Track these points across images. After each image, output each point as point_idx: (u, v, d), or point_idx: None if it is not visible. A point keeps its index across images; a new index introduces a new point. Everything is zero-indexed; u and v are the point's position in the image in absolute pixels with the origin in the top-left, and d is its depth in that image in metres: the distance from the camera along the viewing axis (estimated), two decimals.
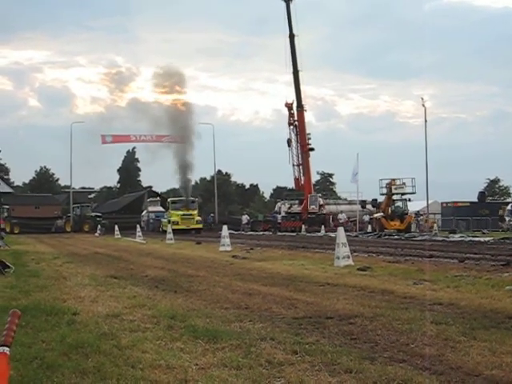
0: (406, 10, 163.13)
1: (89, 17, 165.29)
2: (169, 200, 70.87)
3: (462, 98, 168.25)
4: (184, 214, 65.30)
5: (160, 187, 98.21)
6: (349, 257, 18.93)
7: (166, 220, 66.76)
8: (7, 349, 3.53)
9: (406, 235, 45.95)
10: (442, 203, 71.67)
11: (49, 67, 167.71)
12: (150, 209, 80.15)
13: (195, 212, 67.25)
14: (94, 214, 78.69)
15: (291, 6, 71.22)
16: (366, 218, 63.30)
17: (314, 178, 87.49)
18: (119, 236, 49.79)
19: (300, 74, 70.85)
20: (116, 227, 52.61)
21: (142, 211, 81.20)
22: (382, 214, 53.87)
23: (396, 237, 44.89)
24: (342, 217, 66.16)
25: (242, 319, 9.64)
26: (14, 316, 3.63)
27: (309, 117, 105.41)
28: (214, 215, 79.69)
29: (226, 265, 20.47)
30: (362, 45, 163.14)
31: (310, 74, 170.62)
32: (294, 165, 71.68)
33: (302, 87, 72.00)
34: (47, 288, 13.88)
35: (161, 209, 78.26)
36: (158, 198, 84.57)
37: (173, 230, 53.66)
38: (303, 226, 63.39)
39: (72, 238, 52.16)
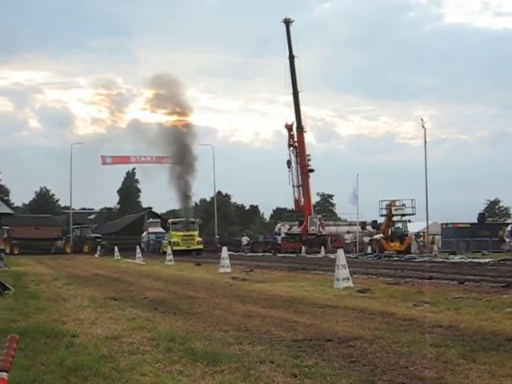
0: (406, 31, 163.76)
1: (89, 37, 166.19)
2: (169, 221, 70.50)
3: (462, 120, 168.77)
4: (184, 235, 64.93)
5: (160, 208, 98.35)
6: (348, 279, 18.90)
7: (166, 241, 66.09)
8: (5, 374, 3.55)
9: (406, 256, 45.95)
10: (441, 224, 71.57)
11: (49, 88, 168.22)
12: (151, 230, 79.60)
13: (196, 233, 66.74)
14: (93, 235, 78.43)
15: (291, 27, 71.75)
16: (366, 239, 63.21)
17: (314, 199, 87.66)
18: (119, 257, 49.68)
19: (300, 95, 71.20)
20: (116, 248, 52.50)
21: (143, 232, 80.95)
22: (381, 235, 53.87)
23: (396, 258, 44.87)
24: (349, 237, 65.50)
25: (242, 342, 9.62)
26: (12, 341, 3.65)
27: (309, 138, 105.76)
28: (220, 237, 79.32)
29: (225, 286, 20.44)
30: (362, 66, 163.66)
31: (310, 95, 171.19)
32: (293, 186, 71.87)
33: (302, 108, 72.34)
34: (47, 310, 13.86)
35: (161, 230, 77.70)
36: (158, 219, 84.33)
37: (173, 250, 53.33)
38: (303, 248, 63.32)
39: (72, 259, 52.11)
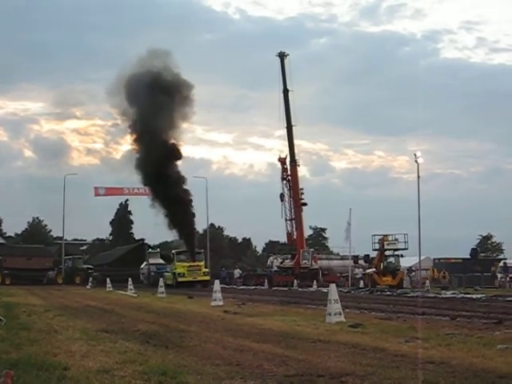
0: (401, 67, 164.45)
1: (87, 69, 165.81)
2: (173, 251, 66.91)
3: (456, 154, 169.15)
4: (190, 266, 61.71)
5: (152, 240, 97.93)
6: (340, 313, 18.88)
7: (170, 273, 63.57)
8: None
9: (398, 291, 45.93)
10: (434, 259, 71.70)
11: (45, 118, 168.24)
12: (151, 261, 76.37)
13: (202, 263, 63.59)
14: (85, 266, 78.03)
15: (286, 61, 72.26)
16: (358, 273, 62.78)
17: (307, 232, 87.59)
18: (111, 289, 49.51)
19: (294, 128, 71.58)
20: (108, 280, 52.32)
21: (141, 263, 79.48)
22: (374, 269, 53.93)
23: (388, 293, 44.84)
24: (359, 272, 63.96)
25: (233, 376, 9.63)
26: (6, 376, 3.69)
27: (303, 171, 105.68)
28: (225, 269, 78.34)
29: (217, 320, 20.40)
30: (357, 100, 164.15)
31: (306, 129, 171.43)
32: (286, 219, 71.94)
33: (297, 142, 72.83)
34: (38, 342, 13.81)
35: (161, 261, 75.45)
36: (158, 250, 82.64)
37: (178, 282, 51.87)
38: (295, 281, 63.18)
39: (63, 290, 51.87)
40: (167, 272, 65.34)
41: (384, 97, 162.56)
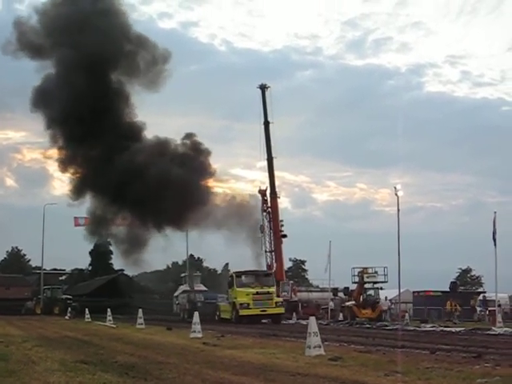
0: (385, 100, 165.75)
1: None
2: (232, 273, 51.99)
3: (438, 188, 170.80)
4: (257, 293, 46.40)
5: (131, 271, 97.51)
6: (320, 346, 18.82)
7: (226, 304, 49.97)
8: None
9: (378, 324, 45.90)
10: (413, 292, 71.77)
11: (27, 148, 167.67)
12: (197, 287, 65.83)
13: (273, 289, 48.27)
14: (64, 296, 77.52)
15: (267, 93, 72.36)
16: (331, 304, 62.34)
17: (287, 264, 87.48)
18: (89, 319, 49.18)
19: (275, 160, 71.36)
20: (86, 310, 51.96)
21: (120, 294, 77.60)
22: (353, 302, 53.96)
23: (367, 325, 44.83)
24: (387, 304, 59.17)
25: None
26: None
27: (285, 203, 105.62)
28: None
29: (196, 352, 20.30)
30: (340, 133, 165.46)
31: (289, 161, 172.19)
32: (266, 251, 71.59)
33: (279, 174, 73.04)
34: (16, 373, 13.70)
35: (203, 287, 67.99)
36: (199, 273, 76.34)
37: (240, 316, 43.14)
38: None
39: (42, 321, 51.48)
40: (222, 302, 52.73)
41: (367, 130, 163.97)
